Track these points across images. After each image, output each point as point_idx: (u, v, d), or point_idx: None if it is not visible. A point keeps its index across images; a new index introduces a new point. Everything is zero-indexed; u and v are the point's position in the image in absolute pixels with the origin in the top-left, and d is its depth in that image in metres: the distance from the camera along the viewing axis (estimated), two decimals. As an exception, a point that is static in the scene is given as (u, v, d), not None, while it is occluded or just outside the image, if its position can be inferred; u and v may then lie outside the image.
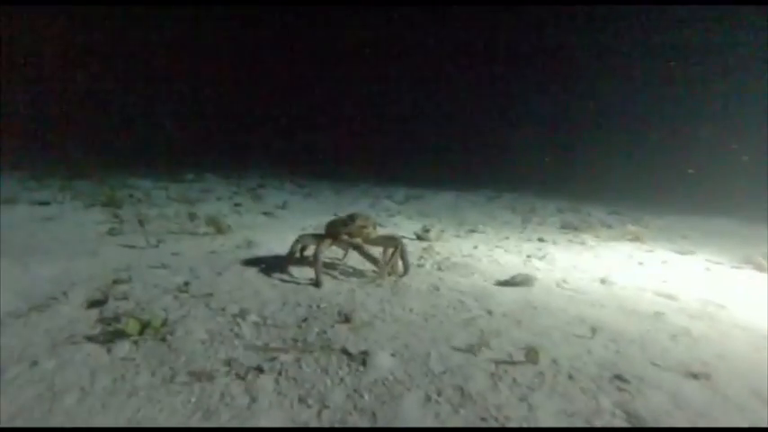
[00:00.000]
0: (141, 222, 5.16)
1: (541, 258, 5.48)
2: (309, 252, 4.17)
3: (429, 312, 3.10)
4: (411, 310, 3.11)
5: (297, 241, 3.94)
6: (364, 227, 3.92)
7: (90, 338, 2.44)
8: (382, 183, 11.71)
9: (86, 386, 2.05)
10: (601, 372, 2.39)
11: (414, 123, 16.04)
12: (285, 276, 3.70)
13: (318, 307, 3.04)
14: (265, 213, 6.99)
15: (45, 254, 3.96)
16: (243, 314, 2.83)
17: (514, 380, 2.24)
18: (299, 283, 3.55)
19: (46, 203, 6.31)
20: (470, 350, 2.54)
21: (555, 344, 2.70)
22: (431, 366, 2.33)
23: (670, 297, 3.95)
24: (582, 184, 11.99)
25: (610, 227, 7.63)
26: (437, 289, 3.66)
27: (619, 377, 2.32)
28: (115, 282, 3.25)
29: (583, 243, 6.37)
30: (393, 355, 2.42)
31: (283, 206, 7.75)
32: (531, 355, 2.42)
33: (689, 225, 8.75)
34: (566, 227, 7.49)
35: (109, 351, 2.33)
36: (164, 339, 2.45)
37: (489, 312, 3.18)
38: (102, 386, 2.05)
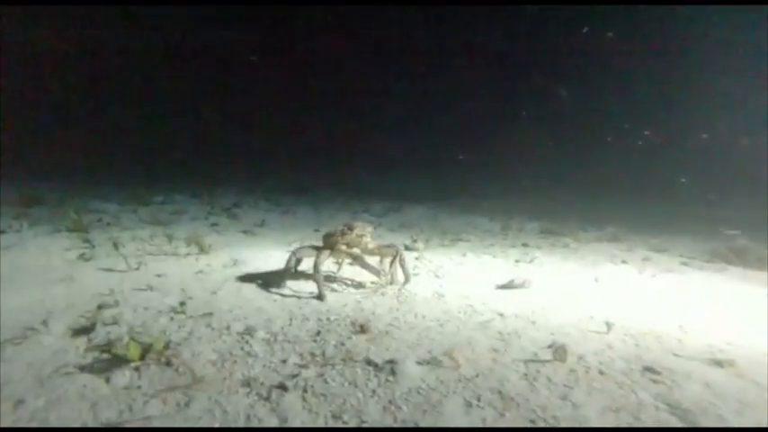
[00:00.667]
0: (116, 245, 4.82)
1: (530, 262, 5.51)
2: (306, 265, 4.00)
3: (442, 318, 2.99)
4: (424, 317, 2.99)
5: (293, 254, 3.76)
6: (362, 236, 3.79)
7: (83, 368, 2.18)
8: (358, 197, 11.61)
9: (88, 422, 1.80)
10: (629, 365, 2.35)
11: (383, 137, 16.05)
12: (284, 291, 3.51)
13: (329, 319, 2.87)
14: (245, 232, 6.72)
15: (10, 283, 3.59)
16: (250, 331, 2.62)
17: (549, 379, 2.17)
18: (300, 297, 3.37)
19: (0, 232, 5.80)
20: (495, 352, 2.45)
21: (575, 341, 2.65)
22: (461, 371, 2.22)
23: (660, 291, 4.03)
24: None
25: (586, 231, 7.81)
26: (442, 296, 3.57)
27: (649, 369, 2.29)
28: (101, 306, 2.96)
29: (566, 246, 6.47)
30: (419, 363, 2.30)
31: (262, 224, 7.48)
32: (560, 353, 2.36)
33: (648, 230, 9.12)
34: (545, 231, 7.61)
35: (108, 381, 2.08)
36: (169, 363, 2.22)
37: (501, 315, 3.11)
38: (107, 420, 1.81)
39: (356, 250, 3.83)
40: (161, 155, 15.50)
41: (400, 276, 3.87)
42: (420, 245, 5.82)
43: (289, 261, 3.73)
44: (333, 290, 3.62)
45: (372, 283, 3.90)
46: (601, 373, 2.25)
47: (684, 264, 5.44)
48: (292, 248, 5.78)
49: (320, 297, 3.33)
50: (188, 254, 4.84)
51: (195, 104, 18.16)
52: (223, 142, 17.17)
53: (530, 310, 3.24)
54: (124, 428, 1.66)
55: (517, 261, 5.58)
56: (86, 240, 5.10)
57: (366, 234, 3.84)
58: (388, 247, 3.95)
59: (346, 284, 3.83)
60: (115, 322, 2.73)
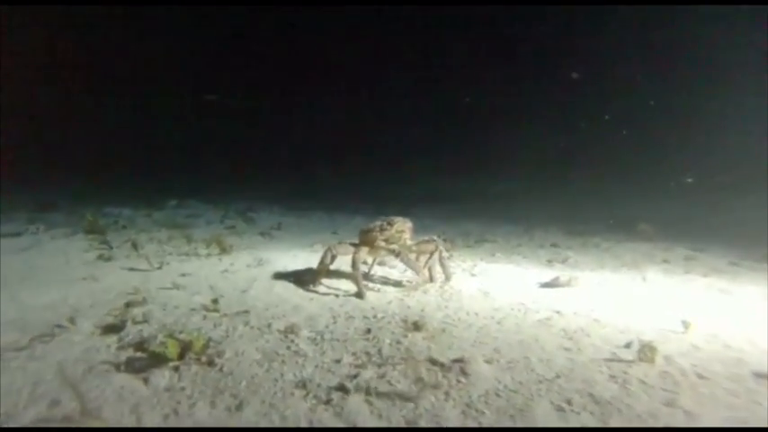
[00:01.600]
0: (135, 246, 4.60)
1: (563, 262, 5.25)
2: (337, 264, 3.77)
3: (496, 316, 2.74)
4: (477, 315, 2.74)
5: (329, 250, 3.52)
6: (402, 231, 3.57)
7: (117, 367, 1.95)
8: (371, 201, 11.39)
9: (132, 426, 1.57)
10: (728, 368, 2.08)
11: (393, 139, 15.81)
12: (319, 289, 3.27)
13: (375, 317, 2.63)
14: (262, 234, 6.50)
15: (33, 282, 3.38)
16: (293, 330, 2.38)
17: (643, 382, 1.91)
18: (338, 295, 3.13)
19: (17, 235, 5.61)
20: (568, 351, 2.20)
21: (654, 340, 2.37)
22: (538, 372, 1.97)
23: (722, 290, 3.75)
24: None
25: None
26: (487, 293, 3.32)
27: (758, 374, 2.01)
28: (129, 305, 2.73)
29: (597, 246, 6.20)
30: (488, 362, 2.05)
31: (279, 227, 7.26)
32: (646, 353, 2.09)
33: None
34: (570, 232, 7.35)
35: (146, 381, 1.84)
36: (212, 363, 1.98)
37: (558, 312, 2.85)
38: (154, 423, 1.57)
39: (395, 246, 3.59)
40: (171, 160, 15.37)
41: (438, 273, 3.63)
42: (449, 244, 5.57)
43: (324, 257, 3.49)
44: (369, 288, 3.37)
45: (408, 281, 3.66)
46: (700, 377, 1.98)
47: (734, 264, 5.15)
48: (321, 246, 5.58)
49: (360, 295, 3.09)
50: (209, 254, 4.61)
51: (204, 109, 18.04)
52: (233, 148, 17.02)
53: (587, 308, 2.98)
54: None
55: (549, 261, 5.32)
56: (104, 242, 4.89)
57: (405, 230, 3.62)
58: (428, 242, 3.71)
59: (383, 282, 3.59)
60: (145, 320, 2.50)
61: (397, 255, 3.43)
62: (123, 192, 11.04)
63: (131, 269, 3.80)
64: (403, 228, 3.59)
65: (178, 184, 12.51)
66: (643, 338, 2.39)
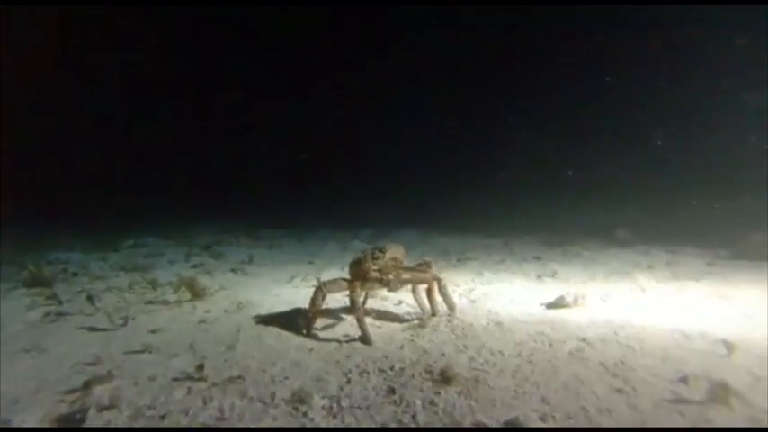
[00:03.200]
0: (90, 298, 3.98)
1: (553, 276, 5.08)
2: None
3: (523, 352, 2.44)
4: (502, 353, 2.43)
5: (318, 290, 3.11)
6: (396, 259, 3.22)
7: (84, 487, 1.46)
8: (341, 225, 10.96)
9: None
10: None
11: (356, 163, 15.47)
12: (315, 338, 2.85)
13: (393, 369, 2.25)
14: (234, 270, 5.94)
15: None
16: (302, 398, 1.96)
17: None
18: (340, 342, 2.73)
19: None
20: (622, 394, 1.92)
21: (703, 370, 2.12)
22: (607, 426, 1.66)
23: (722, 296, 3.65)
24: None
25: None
26: (499, 323, 3.02)
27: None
28: (89, 383, 2.20)
29: (579, 255, 6.11)
30: (542, 418, 1.72)
31: (250, 261, 6.70)
32: (718, 393, 1.82)
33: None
34: (548, 242, 7.27)
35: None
36: (211, 463, 1.53)
37: (584, 341, 2.59)
38: None
39: (391, 277, 3.24)
40: (123, 194, 14.23)
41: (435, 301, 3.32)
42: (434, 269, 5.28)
43: (315, 298, 3.07)
44: (368, 324, 2.99)
45: (409, 314, 3.32)
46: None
47: (711, 264, 5.16)
48: (302, 281, 5.13)
49: (366, 340, 2.70)
50: (180, 301, 4.06)
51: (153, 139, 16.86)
52: (188, 178, 16.04)
53: (610, 332, 2.74)
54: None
55: (539, 276, 5.14)
56: (51, 296, 4.22)
57: (399, 257, 3.28)
58: (423, 270, 3.37)
59: (378, 316, 3.24)
60: (114, 404, 1.99)
61: (387, 285, 3.05)
62: (72, 232, 10.02)
63: (89, 329, 3.21)
64: (396, 255, 3.25)
65: (131, 220, 11.58)
66: (694, 367, 2.15)
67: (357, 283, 3.10)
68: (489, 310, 3.36)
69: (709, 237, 6.86)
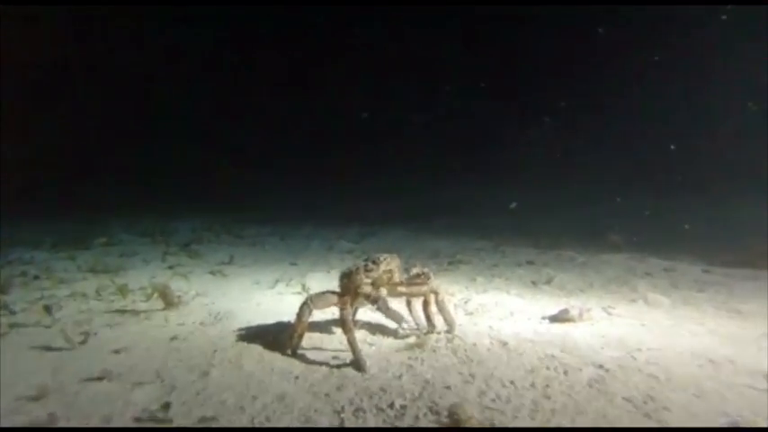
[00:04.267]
0: (48, 309, 3.54)
1: (548, 283, 4.85)
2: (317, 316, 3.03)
3: (537, 382, 2.14)
4: (514, 384, 2.13)
5: (305, 306, 2.76)
6: (391, 271, 2.90)
7: None
8: (325, 223, 10.59)
9: None
10: None
11: (339, 159, 14.97)
12: (300, 360, 2.51)
13: (393, 407, 1.93)
14: (213, 273, 5.53)
15: None
16: (287, 449, 1.63)
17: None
18: (330, 366, 2.40)
19: None
20: (660, 440, 1.64)
21: (754, 412, 1.85)
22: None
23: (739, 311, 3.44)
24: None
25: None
26: (504, 344, 2.72)
27: None
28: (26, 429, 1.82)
29: (573, 260, 5.89)
30: (576, 480, 1.43)
31: (230, 261, 6.29)
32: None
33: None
34: (541, 246, 7.05)
35: None
36: None
37: (602, 367, 2.31)
38: None
39: (383, 291, 2.92)
40: (96, 186, 13.48)
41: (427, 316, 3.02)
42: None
43: (301, 314, 2.72)
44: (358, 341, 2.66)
45: (403, 329, 3.01)
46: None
47: (707, 271, 4.99)
48: (285, 286, 4.76)
49: (359, 367, 2.37)
50: (150, 310, 3.66)
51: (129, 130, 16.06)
52: (166, 171, 15.35)
53: (627, 356, 2.48)
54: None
55: (534, 282, 4.90)
56: (3, 306, 3.76)
57: (394, 269, 2.95)
58: (420, 282, 3.05)
59: (368, 330, 2.93)
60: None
61: (374, 302, 2.71)
62: (38, 226, 9.39)
63: (41, 349, 2.80)
64: (391, 266, 2.93)
65: (106, 214, 10.96)
66: (730, 406, 1.89)
67: (347, 299, 2.77)
68: (491, 327, 3.06)
69: (699, 242, 6.74)
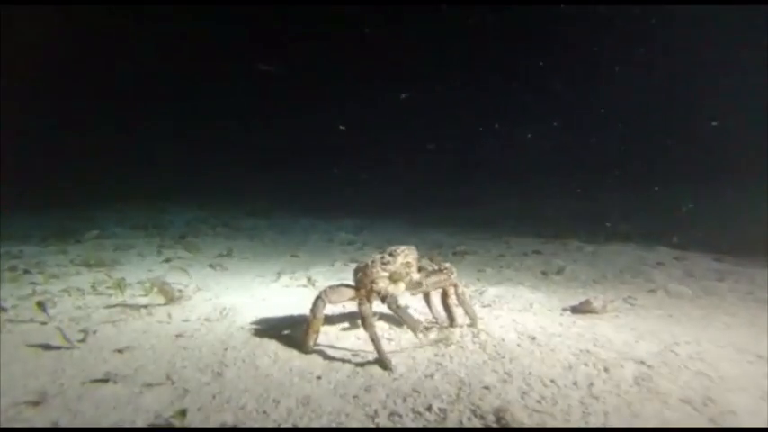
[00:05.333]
0: (41, 305, 3.31)
1: (559, 272, 4.74)
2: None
3: (579, 381, 1.99)
4: (555, 383, 1.98)
5: (320, 300, 2.58)
6: (409, 264, 2.73)
7: None
8: (323, 215, 10.38)
9: None
10: None
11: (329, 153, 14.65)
12: (320, 359, 2.34)
13: (431, 410, 1.76)
14: (212, 266, 5.31)
15: None
16: (322, 461, 1.45)
17: None
18: (352, 364, 2.23)
19: None
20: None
21: None
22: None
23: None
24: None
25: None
26: (533, 339, 2.57)
27: None
28: (30, 439, 1.62)
29: (580, 250, 5.78)
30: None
31: (229, 254, 6.07)
32: None
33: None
34: (543, 236, 6.93)
35: None
36: None
37: (644, 363, 2.17)
38: None
39: (401, 285, 2.75)
40: (85, 177, 13.01)
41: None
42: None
43: (316, 310, 2.54)
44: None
45: (427, 321, 2.85)
46: None
47: (719, 260, 4.90)
48: (291, 280, 4.56)
49: (384, 364, 2.20)
50: (151, 305, 3.45)
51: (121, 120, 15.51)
52: (158, 164, 14.92)
53: (665, 350, 2.34)
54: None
55: (544, 273, 4.79)
56: (-5, 302, 3.52)
57: (412, 262, 2.78)
58: (440, 274, 2.87)
59: (384, 322, 2.77)
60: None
61: (384, 300, 2.50)
62: (27, 219, 9.03)
63: (37, 349, 2.58)
64: (409, 259, 2.75)
65: (96, 206, 10.61)
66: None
67: (363, 293, 2.59)
68: (514, 320, 2.91)
69: (704, 231, 6.67)
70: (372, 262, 2.70)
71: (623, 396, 1.83)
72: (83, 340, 2.67)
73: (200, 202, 11.52)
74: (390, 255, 2.72)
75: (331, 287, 2.73)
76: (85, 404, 1.90)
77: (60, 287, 4.03)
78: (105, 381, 2.11)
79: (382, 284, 2.64)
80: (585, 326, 2.81)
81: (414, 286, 2.81)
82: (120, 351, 2.51)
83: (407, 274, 2.74)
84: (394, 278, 2.70)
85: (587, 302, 3.22)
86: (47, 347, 2.58)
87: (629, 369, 2.09)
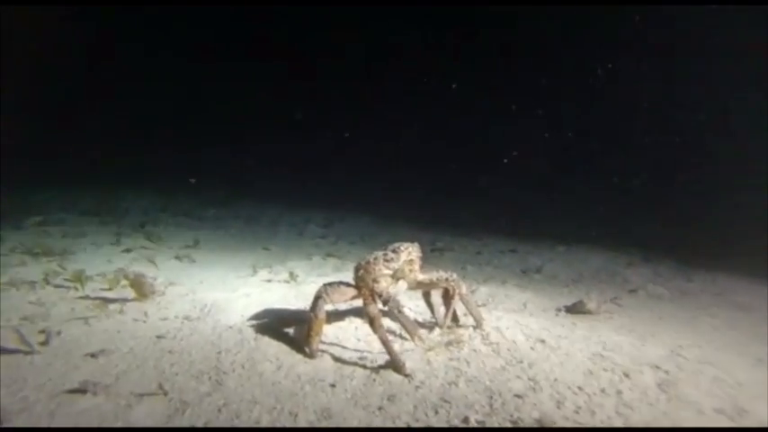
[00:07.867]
0: (-13, 300, 2.85)
1: (538, 271, 4.79)
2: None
3: (606, 389, 1.93)
4: (584, 390, 1.90)
5: (321, 299, 2.38)
6: (412, 262, 2.58)
7: None
8: (289, 207, 9.97)
9: None
10: None
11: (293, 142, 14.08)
12: (327, 363, 2.14)
13: (468, 422, 1.61)
14: (179, 258, 4.88)
15: None
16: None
17: None
18: (365, 369, 2.04)
19: None
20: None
21: None
22: None
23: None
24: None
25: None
26: (543, 341, 2.50)
27: None
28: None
29: (552, 249, 5.88)
30: None
31: (195, 245, 5.63)
32: None
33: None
34: (516, 233, 7.01)
35: None
36: None
37: (658, 368, 2.15)
38: None
39: (402, 284, 2.60)
40: (23, 156, 11.68)
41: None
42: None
43: (318, 309, 2.34)
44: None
45: (420, 323, 2.72)
46: None
47: (686, 263, 5.12)
48: (267, 272, 4.27)
49: (398, 369, 2.04)
50: (120, 301, 3.06)
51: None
52: (109, 146, 13.73)
53: (674, 355, 2.34)
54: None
55: (524, 271, 4.82)
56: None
57: (415, 260, 2.63)
58: (441, 273, 2.73)
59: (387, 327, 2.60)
60: None
61: (385, 303, 2.29)
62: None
63: (-11, 353, 2.18)
64: (412, 256, 2.61)
65: (38, 188, 9.59)
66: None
67: (367, 291, 2.41)
68: (517, 321, 2.83)
69: (664, 233, 7.01)
70: (375, 259, 2.53)
71: (656, 405, 1.78)
72: (45, 343, 2.29)
73: (154, 189, 10.71)
74: (393, 251, 2.56)
75: (331, 286, 2.52)
76: (62, 421, 1.59)
77: (3, 279, 3.51)
78: (83, 392, 1.80)
79: (384, 283, 2.47)
80: (586, 327, 2.79)
81: (416, 285, 2.67)
82: (93, 355, 2.17)
83: (411, 272, 2.59)
84: (397, 276, 2.55)
85: (581, 303, 3.22)
86: (3, 352, 2.18)
87: (649, 375, 2.06)
